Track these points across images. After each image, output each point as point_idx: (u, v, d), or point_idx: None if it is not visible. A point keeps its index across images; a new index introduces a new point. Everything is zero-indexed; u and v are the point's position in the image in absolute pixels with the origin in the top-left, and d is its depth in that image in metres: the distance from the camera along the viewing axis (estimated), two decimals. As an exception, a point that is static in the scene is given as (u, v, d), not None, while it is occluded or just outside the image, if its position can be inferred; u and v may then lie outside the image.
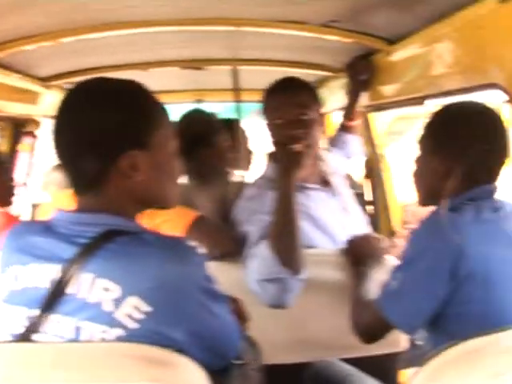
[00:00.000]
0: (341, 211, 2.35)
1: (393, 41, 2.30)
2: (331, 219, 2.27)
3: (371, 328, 1.79)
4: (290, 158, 2.00)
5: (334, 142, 2.92)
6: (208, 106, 4.56)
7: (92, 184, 1.30)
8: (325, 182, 2.40)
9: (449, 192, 1.72)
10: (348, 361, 2.09)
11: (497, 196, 1.75)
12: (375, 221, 3.49)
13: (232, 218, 2.22)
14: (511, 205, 1.76)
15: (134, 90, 1.36)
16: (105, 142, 1.26)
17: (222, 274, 1.98)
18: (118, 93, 1.32)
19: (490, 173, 1.71)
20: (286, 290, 1.97)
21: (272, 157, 2.33)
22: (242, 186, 2.47)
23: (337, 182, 2.44)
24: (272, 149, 2.29)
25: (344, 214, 2.35)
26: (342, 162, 2.84)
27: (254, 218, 2.09)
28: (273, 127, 2.23)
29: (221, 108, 5.31)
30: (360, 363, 2.04)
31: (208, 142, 2.58)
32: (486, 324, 1.51)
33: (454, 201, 1.69)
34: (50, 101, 3.04)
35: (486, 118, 1.71)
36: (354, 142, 2.97)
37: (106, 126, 1.26)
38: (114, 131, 1.27)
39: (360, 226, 2.38)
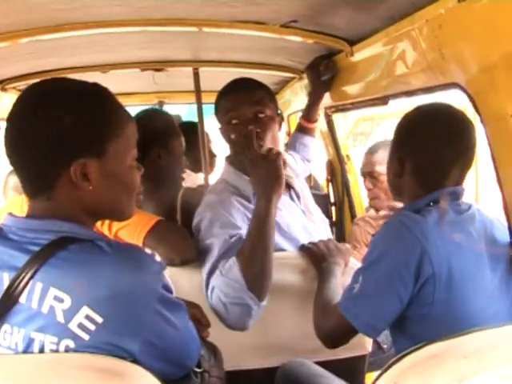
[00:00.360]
0: (303, 214, 2.32)
1: (354, 41, 2.28)
2: (294, 223, 2.23)
3: (335, 332, 1.77)
4: (269, 173, 1.95)
5: (293, 145, 2.88)
6: (171, 108, 4.54)
7: (42, 188, 1.25)
8: (286, 185, 2.36)
9: (407, 191, 1.78)
10: (316, 363, 2.07)
11: (464, 198, 1.76)
12: (340, 222, 3.49)
13: (194, 227, 2.15)
14: (477, 207, 1.78)
15: (93, 93, 1.31)
16: (56, 146, 1.22)
17: (183, 279, 1.97)
18: (74, 95, 1.27)
19: (453, 176, 1.72)
20: (250, 316, 1.94)
21: (229, 160, 2.28)
22: (202, 191, 2.42)
23: (298, 184, 2.41)
24: (230, 151, 2.25)
25: (306, 217, 2.32)
26: (302, 165, 2.82)
27: (216, 231, 2.02)
28: (228, 129, 2.17)
29: (184, 110, 5.28)
30: (328, 365, 2.02)
31: (163, 143, 2.50)
32: (448, 325, 1.53)
33: (418, 203, 1.72)
34: (8, 104, 2.97)
35: (447, 121, 1.73)
36: (314, 145, 2.94)
37: (58, 130, 1.21)
38: (66, 135, 1.22)
39: (321, 228, 2.35)
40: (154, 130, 2.46)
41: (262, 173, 1.97)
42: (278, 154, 2.00)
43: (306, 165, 2.89)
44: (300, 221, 2.27)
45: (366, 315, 1.66)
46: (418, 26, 1.71)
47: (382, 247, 1.68)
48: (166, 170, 2.51)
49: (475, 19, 1.45)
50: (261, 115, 2.13)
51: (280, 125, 2.28)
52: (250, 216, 2.07)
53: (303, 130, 2.91)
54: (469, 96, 1.57)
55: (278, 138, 2.25)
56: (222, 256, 1.95)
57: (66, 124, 1.21)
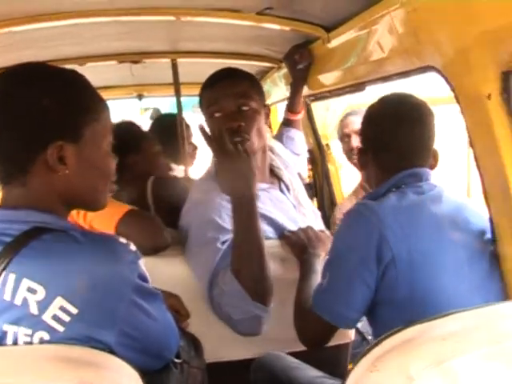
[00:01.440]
0: (293, 208, 2.26)
1: (330, 27, 2.25)
2: (283, 217, 2.18)
3: (314, 332, 1.78)
4: (236, 174, 1.81)
5: (280, 139, 2.80)
6: (152, 101, 4.50)
7: (17, 173, 1.23)
8: (275, 177, 2.31)
9: (373, 180, 1.85)
10: (298, 353, 2.06)
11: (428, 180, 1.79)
12: (322, 211, 3.48)
13: (180, 226, 2.12)
14: (439, 187, 1.80)
15: (70, 77, 1.29)
16: (32, 128, 1.20)
17: (161, 270, 1.95)
18: (54, 77, 1.26)
19: (410, 159, 1.76)
20: (261, 323, 1.92)
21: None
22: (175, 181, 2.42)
23: (287, 176, 2.35)
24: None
25: (296, 209, 2.27)
26: (292, 158, 2.73)
27: (207, 237, 1.96)
28: (211, 123, 2.08)
29: (168, 103, 5.24)
30: (311, 355, 2.01)
31: (134, 148, 2.55)
32: (416, 305, 1.58)
33: (379, 190, 1.77)
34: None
35: (399, 109, 1.79)
36: (300, 137, 2.90)
37: (35, 110, 1.20)
38: (43, 117, 1.21)
39: (312, 221, 2.29)
40: (122, 137, 2.50)
41: (229, 172, 1.84)
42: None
43: (295, 158, 2.80)
44: (290, 214, 2.20)
45: (337, 306, 1.68)
46: (393, 10, 1.69)
47: (342, 238, 1.73)
48: (142, 173, 2.56)
49: (449, 0, 1.43)
50: (245, 108, 2.06)
51: (267, 116, 2.22)
52: None
53: (288, 122, 2.86)
54: (445, 78, 1.56)
55: (265, 130, 2.19)
56: (218, 266, 1.90)
57: (43, 105, 1.20)
